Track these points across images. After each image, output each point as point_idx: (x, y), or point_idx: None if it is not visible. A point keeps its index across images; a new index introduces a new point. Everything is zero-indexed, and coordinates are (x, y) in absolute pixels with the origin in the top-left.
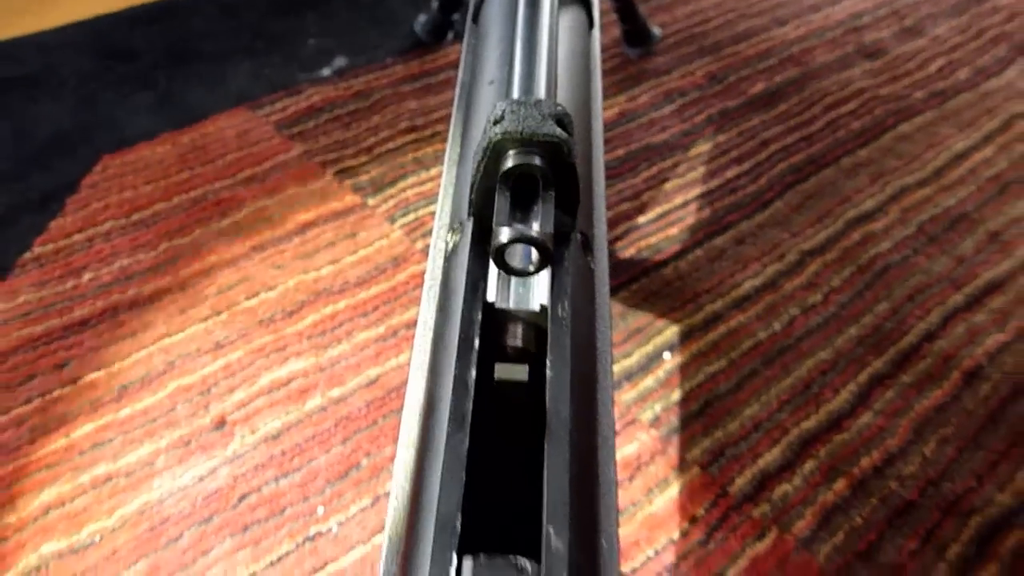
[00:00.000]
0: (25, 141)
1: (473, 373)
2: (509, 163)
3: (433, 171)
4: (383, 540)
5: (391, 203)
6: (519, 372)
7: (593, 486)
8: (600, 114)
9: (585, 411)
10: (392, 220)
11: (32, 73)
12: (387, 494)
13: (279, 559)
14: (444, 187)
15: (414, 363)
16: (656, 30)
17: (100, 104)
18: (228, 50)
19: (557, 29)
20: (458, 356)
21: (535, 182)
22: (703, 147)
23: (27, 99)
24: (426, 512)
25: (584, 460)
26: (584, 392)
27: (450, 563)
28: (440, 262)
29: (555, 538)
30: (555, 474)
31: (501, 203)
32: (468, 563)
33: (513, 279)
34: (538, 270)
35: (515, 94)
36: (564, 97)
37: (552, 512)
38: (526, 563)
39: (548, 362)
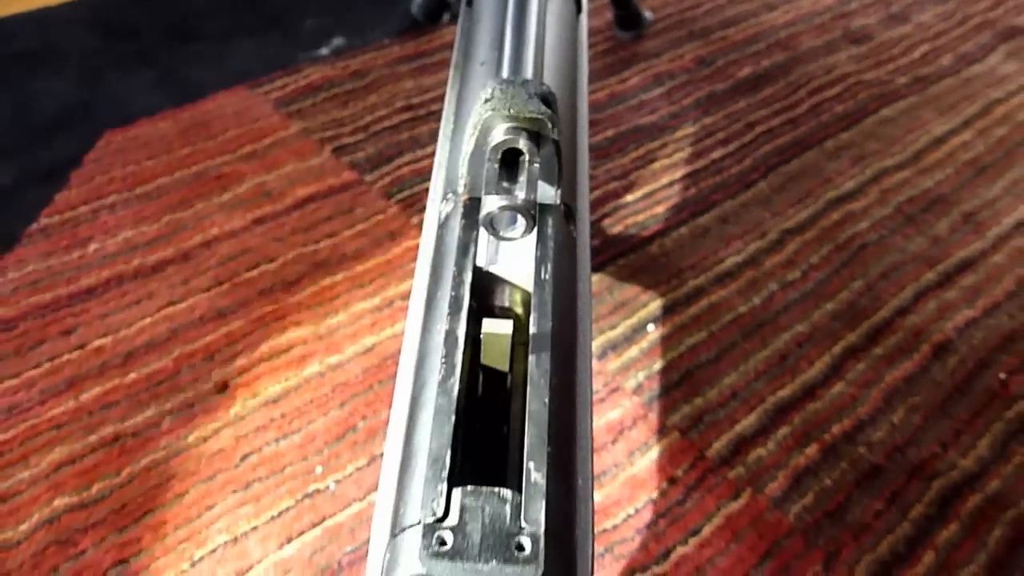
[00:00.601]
0: (29, 116)
1: (463, 327)
2: (497, 138)
3: (428, 149)
4: (379, 481)
5: (387, 179)
6: (505, 327)
7: (570, 430)
8: (585, 94)
9: (564, 364)
10: (388, 196)
11: (33, 49)
12: (382, 455)
13: (279, 514)
14: (438, 161)
15: (409, 321)
16: (647, 14)
17: (102, 81)
18: (228, 29)
19: (545, 14)
20: (449, 312)
21: (520, 155)
22: (690, 129)
23: (29, 75)
24: (419, 449)
25: (562, 407)
26: (563, 347)
27: (440, 493)
28: (434, 230)
29: (534, 473)
30: (535, 418)
31: (490, 175)
32: (456, 493)
33: (501, 245)
34: (523, 235)
35: (504, 74)
36: (550, 78)
37: (532, 450)
38: (508, 493)
39: (531, 320)
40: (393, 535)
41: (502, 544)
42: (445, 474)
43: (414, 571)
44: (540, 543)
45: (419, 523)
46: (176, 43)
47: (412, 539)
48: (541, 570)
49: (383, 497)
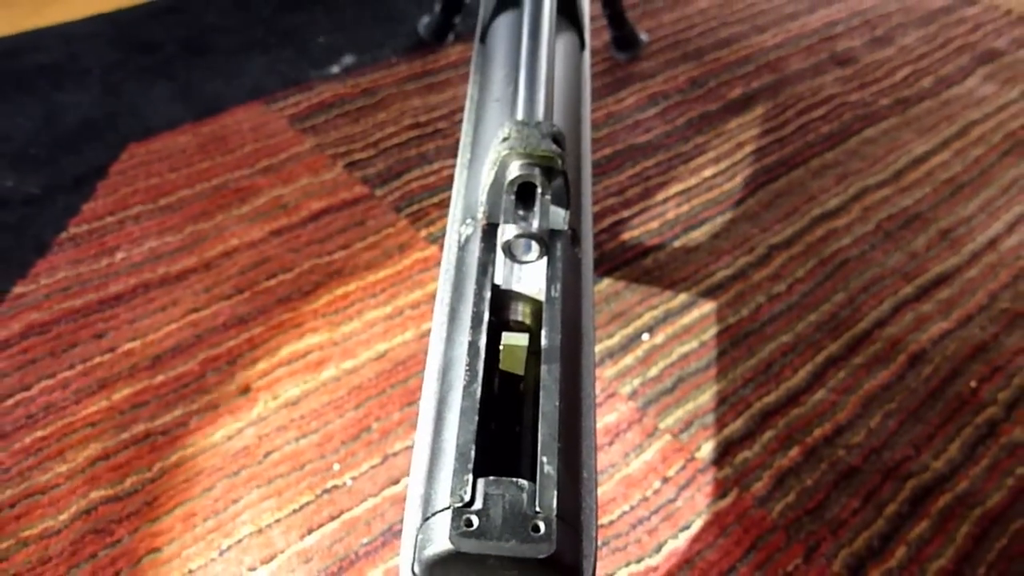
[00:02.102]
0: (55, 127)
1: (484, 339)
2: (514, 173)
3: (436, 165)
4: (409, 473)
5: (397, 194)
6: (520, 339)
7: (577, 430)
8: (588, 127)
9: (571, 371)
10: (398, 210)
11: (57, 62)
12: (395, 454)
13: (300, 508)
14: (456, 188)
15: (433, 334)
16: (643, 36)
17: (124, 93)
18: (242, 45)
19: (554, 54)
20: (471, 326)
21: (534, 188)
22: (683, 147)
23: (54, 87)
24: (447, 444)
25: (570, 408)
26: (571, 357)
27: (467, 483)
28: (455, 251)
29: (547, 466)
30: (547, 418)
31: (508, 205)
32: (481, 483)
33: (515, 266)
34: (537, 259)
35: (519, 115)
36: (559, 114)
37: (545, 446)
38: (524, 483)
39: (543, 333)
40: (425, 518)
41: (520, 526)
42: (471, 466)
43: (445, 548)
44: (553, 525)
45: (449, 507)
46: (194, 57)
47: (443, 521)
48: (554, 548)
49: (414, 486)
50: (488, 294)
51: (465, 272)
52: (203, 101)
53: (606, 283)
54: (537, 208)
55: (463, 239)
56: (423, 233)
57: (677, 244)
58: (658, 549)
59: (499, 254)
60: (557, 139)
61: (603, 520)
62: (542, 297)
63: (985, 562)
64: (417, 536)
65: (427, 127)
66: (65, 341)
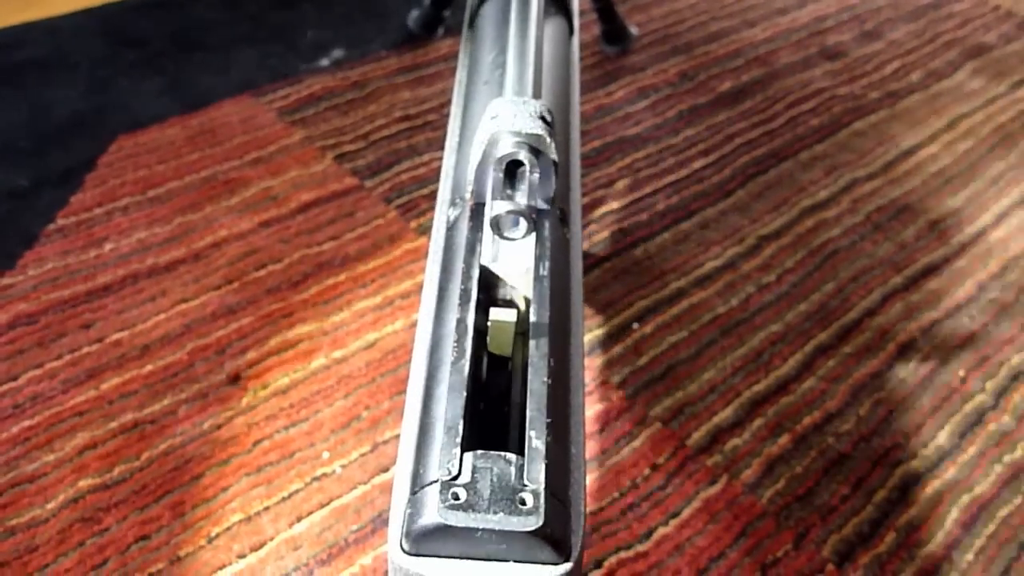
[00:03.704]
0: (43, 120)
1: (472, 316)
2: (502, 151)
3: (425, 157)
4: (400, 446)
5: (387, 185)
6: (509, 316)
7: (565, 405)
8: (577, 109)
9: (560, 348)
10: (388, 201)
11: (46, 56)
12: (384, 442)
13: (290, 495)
14: (445, 170)
15: (422, 314)
16: (633, 29)
17: (112, 87)
18: (232, 39)
19: (542, 37)
20: (460, 303)
21: (523, 166)
22: (673, 140)
23: (42, 82)
24: (436, 419)
25: (558, 384)
26: (559, 334)
27: (455, 457)
28: (443, 231)
29: (535, 440)
30: (535, 393)
31: (496, 183)
32: (468, 456)
33: (503, 245)
34: (524, 236)
35: (508, 94)
36: (547, 96)
37: (532, 420)
38: (512, 457)
39: (531, 310)
40: (413, 492)
41: (508, 499)
42: (459, 440)
43: (433, 520)
44: (540, 498)
45: (437, 481)
46: (182, 52)
47: (431, 495)
48: (541, 520)
49: (403, 460)
50: (476, 272)
51: (454, 251)
52: (192, 95)
53: (597, 273)
54: (525, 186)
55: (451, 220)
56: (413, 224)
57: (667, 235)
58: (648, 535)
59: (487, 232)
60: (545, 119)
61: (593, 507)
62: (530, 276)
63: (974, 548)
64: (406, 510)
65: (417, 119)
66: (53, 331)
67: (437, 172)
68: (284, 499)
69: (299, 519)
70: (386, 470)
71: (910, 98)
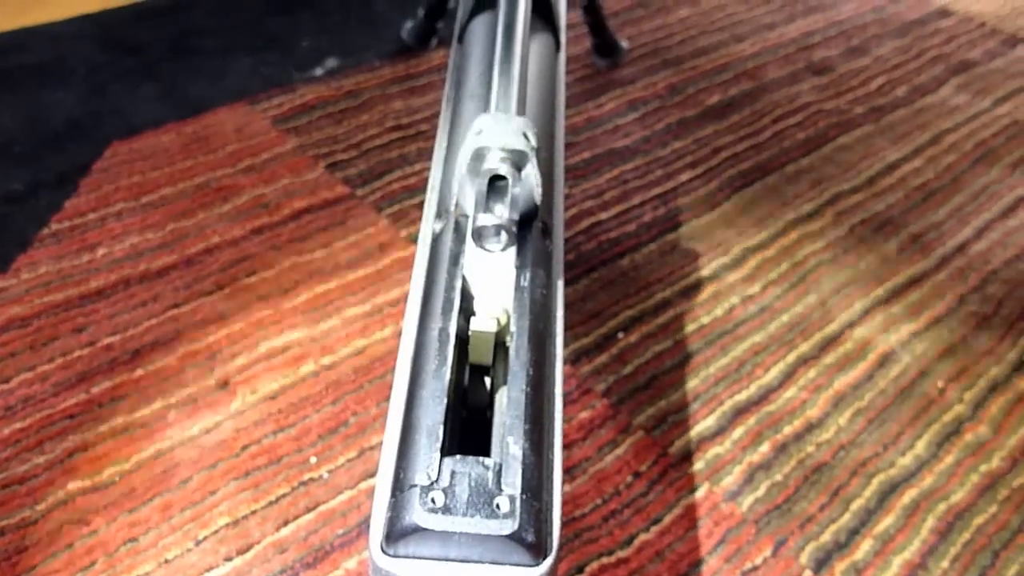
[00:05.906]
0: (39, 125)
1: (454, 325)
2: (486, 166)
3: (417, 166)
4: (382, 450)
5: (378, 195)
6: (490, 325)
7: (542, 412)
8: (562, 124)
9: (538, 356)
10: (379, 210)
11: (43, 61)
12: (371, 448)
13: (277, 500)
14: (431, 183)
15: (407, 321)
16: (623, 43)
17: (109, 93)
18: (227, 46)
19: (528, 53)
20: (442, 312)
21: (506, 180)
22: (661, 152)
23: (40, 86)
24: (416, 424)
25: (536, 392)
26: (538, 342)
27: (434, 462)
28: (428, 243)
29: (512, 445)
30: (514, 401)
31: (479, 196)
32: (448, 461)
33: (486, 256)
34: (505, 248)
35: (492, 109)
36: (532, 111)
37: (511, 427)
38: (490, 462)
39: (512, 320)
40: (394, 495)
41: (484, 503)
42: (438, 445)
43: (412, 523)
44: (516, 503)
45: (416, 485)
46: (179, 59)
47: (410, 499)
48: (516, 524)
49: (384, 464)
50: (459, 283)
51: (438, 262)
52: (187, 102)
53: (583, 283)
54: (508, 199)
55: (436, 231)
56: (403, 233)
57: (653, 246)
58: (629, 541)
59: (470, 244)
60: (527, 135)
61: (576, 513)
62: (512, 287)
63: (949, 555)
64: (386, 513)
65: (409, 129)
66: (45, 335)
67: (427, 182)
68: (271, 503)
69: (286, 523)
70: (373, 475)
71: (895, 113)
